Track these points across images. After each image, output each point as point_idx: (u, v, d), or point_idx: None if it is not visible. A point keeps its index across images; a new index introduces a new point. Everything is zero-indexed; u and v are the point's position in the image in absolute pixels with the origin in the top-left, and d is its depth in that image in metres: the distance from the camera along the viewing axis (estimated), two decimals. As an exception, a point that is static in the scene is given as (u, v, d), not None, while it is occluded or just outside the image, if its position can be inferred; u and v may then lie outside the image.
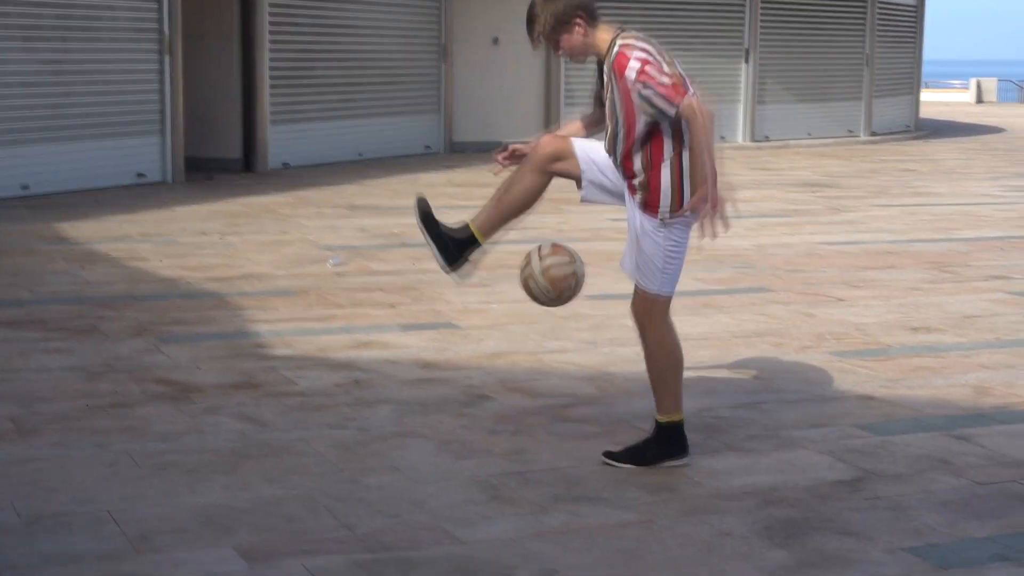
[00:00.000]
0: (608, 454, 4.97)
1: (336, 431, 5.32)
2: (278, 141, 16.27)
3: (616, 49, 4.57)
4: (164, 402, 5.69)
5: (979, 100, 45.33)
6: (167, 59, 14.32)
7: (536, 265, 4.88)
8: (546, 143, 4.87)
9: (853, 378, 6.35)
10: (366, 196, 13.66)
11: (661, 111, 4.55)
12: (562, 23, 4.65)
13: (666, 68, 4.54)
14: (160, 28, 14.24)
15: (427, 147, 19.00)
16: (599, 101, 4.88)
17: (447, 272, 4.95)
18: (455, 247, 4.86)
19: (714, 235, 4.56)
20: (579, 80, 19.70)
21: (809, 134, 23.10)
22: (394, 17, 18.30)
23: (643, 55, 4.53)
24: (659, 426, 4.98)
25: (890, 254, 10.34)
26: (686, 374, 6.45)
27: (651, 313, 4.89)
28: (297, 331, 7.14)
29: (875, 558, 4.11)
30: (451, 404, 5.78)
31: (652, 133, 4.65)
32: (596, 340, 7.07)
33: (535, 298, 4.96)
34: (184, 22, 14.49)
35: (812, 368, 6.56)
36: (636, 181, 4.73)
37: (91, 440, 5.13)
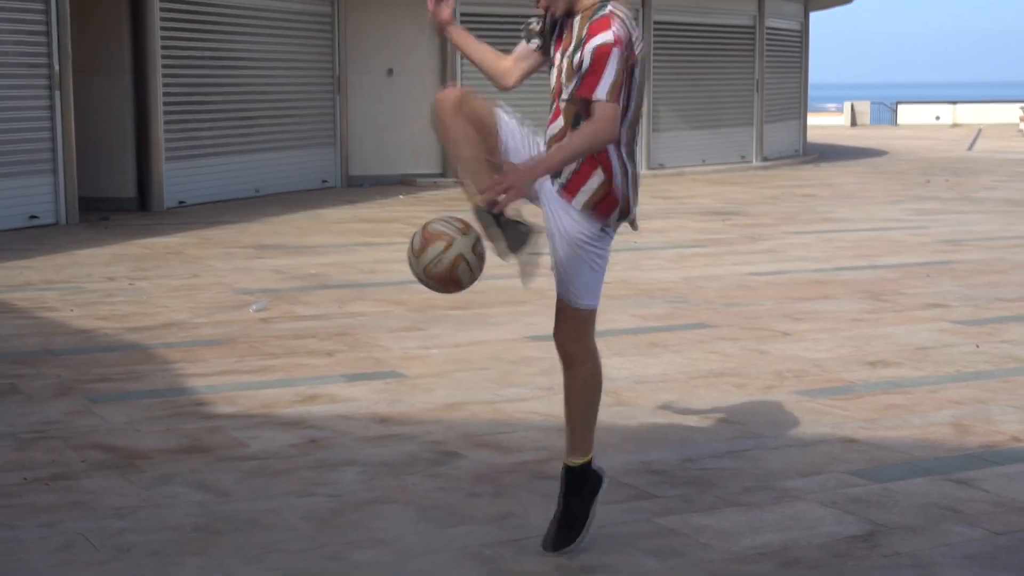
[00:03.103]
0: (557, 544, 4.34)
1: (305, 499, 4.91)
2: (173, 178, 15.70)
3: (606, 11, 4.19)
4: (110, 471, 5.23)
5: (853, 123, 46.14)
6: (57, 95, 13.70)
7: (414, 267, 4.21)
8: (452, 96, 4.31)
9: (828, 419, 6.11)
10: (273, 235, 13.18)
11: (577, 86, 4.15)
12: None
13: (619, 68, 4.12)
14: (49, 63, 13.62)
15: (324, 181, 18.55)
16: (544, 51, 4.42)
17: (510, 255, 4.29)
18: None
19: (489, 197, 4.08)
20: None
21: (703, 160, 23.11)
22: (288, 49, 17.84)
23: (622, 36, 4.11)
24: (579, 470, 4.44)
25: (820, 283, 10.19)
26: (657, 419, 6.22)
27: (581, 333, 4.36)
28: (235, 385, 6.70)
29: (916, 624, 3.85)
30: (419, 463, 5.40)
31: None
32: (553, 385, 6.72)
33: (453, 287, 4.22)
34: (74, 56, 13.88)
35: (782, 410, 6.31)
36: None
37: (38, 520, 4.65)
